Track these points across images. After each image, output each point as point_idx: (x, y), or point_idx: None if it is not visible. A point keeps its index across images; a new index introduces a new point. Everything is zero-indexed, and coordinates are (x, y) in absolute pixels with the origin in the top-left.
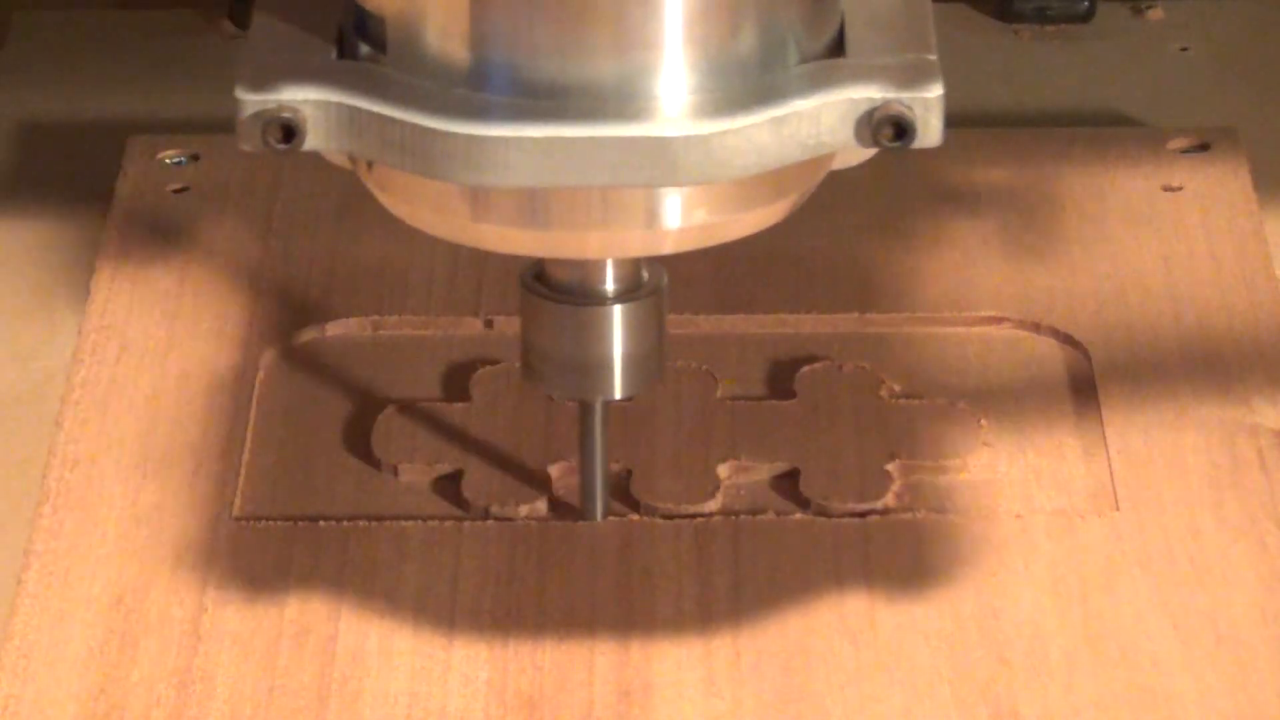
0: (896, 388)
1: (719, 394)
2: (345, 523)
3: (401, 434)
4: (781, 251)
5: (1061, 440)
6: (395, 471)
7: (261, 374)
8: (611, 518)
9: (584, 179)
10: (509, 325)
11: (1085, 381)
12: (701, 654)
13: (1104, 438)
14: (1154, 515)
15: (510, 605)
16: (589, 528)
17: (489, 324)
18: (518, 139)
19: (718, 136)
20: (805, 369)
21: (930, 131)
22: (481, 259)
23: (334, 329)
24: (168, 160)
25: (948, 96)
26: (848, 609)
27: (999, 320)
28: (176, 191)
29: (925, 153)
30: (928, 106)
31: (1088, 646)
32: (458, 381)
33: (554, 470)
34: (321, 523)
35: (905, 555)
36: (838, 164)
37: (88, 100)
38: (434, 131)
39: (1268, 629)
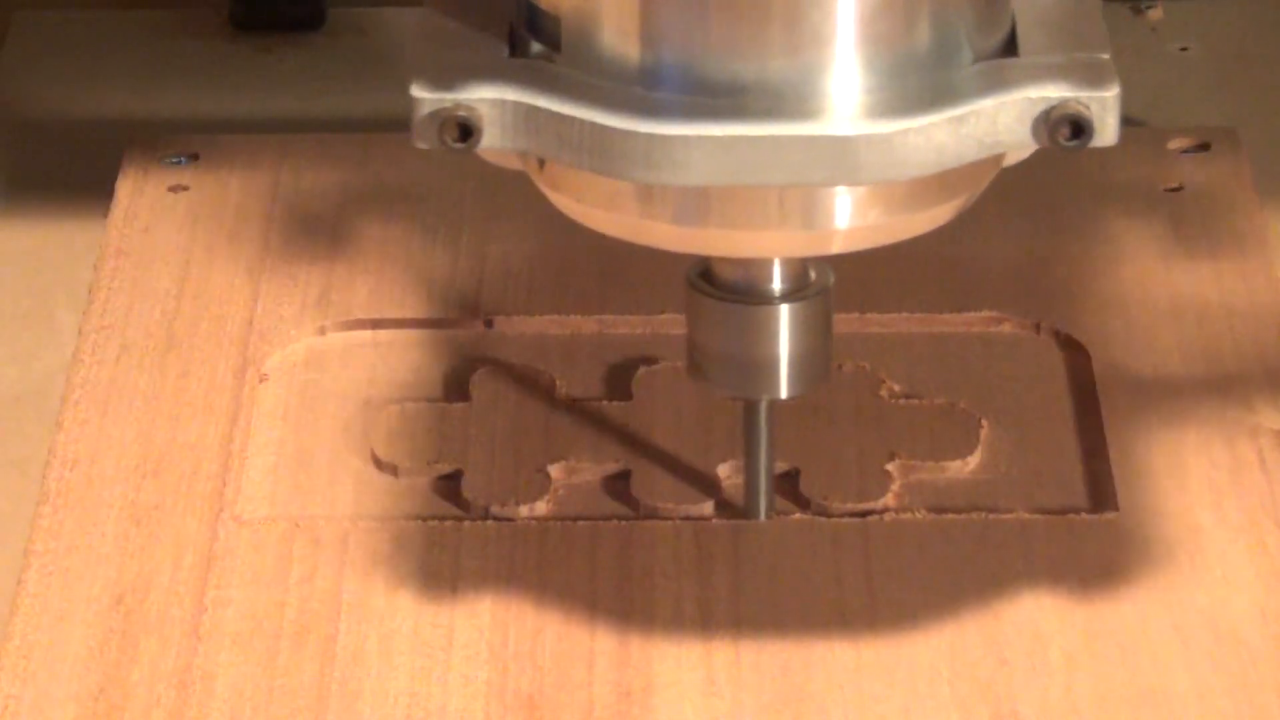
0: (896, 388)
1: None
2: (345, 523)
3: (401, 434)
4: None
5: (1061, 440)
6: (395, 471)
7: (261, 374)
8: (613, 520)
9: (763, 178)
10: (509, 325)
11: (1085, 381)
12: (701, 654)
13: (1104, 438)
14: (1154, 515)
15: (510, 605)
16: (589, 528)
17: (489, 324)
18: (697, 138)
19: (899, 135)
20: None
21: (1107, 130)
22: (482, 259)
23: (334, 329)
24: (167, 160)
25: None
26: (848, 609)
27: (999, 320)
28: (176, 191)
29: None
30: (1105, 106)
31: (1088, 646)
32: (458, 381)
33: (554, 470)
34: (321, 523)
35: (905, 555)
36: (1005, 162)
37: (88, 100)
38: (612, 130)
39: (1268, 629)
